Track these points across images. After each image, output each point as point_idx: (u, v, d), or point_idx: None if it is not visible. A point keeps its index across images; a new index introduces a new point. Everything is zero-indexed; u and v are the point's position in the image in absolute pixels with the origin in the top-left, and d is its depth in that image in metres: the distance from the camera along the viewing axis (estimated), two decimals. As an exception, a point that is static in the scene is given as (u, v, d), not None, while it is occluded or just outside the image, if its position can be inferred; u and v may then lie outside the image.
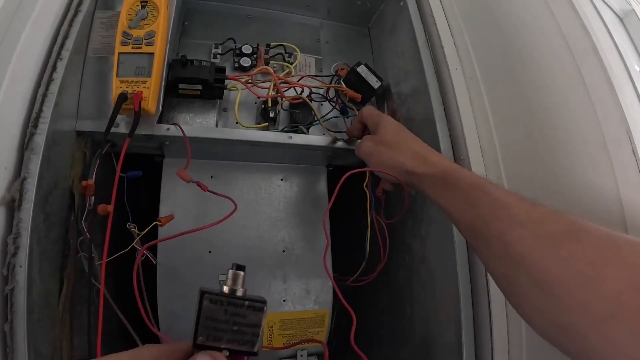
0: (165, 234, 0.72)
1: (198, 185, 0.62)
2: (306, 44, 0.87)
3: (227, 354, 0.33)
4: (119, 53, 0.64)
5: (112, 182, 0.59)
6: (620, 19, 1.14)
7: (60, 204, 0.61)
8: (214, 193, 0.62)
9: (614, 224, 0.51)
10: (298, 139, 0.70)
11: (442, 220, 0.68)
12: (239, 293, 0.35)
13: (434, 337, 0.71)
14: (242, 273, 0.37)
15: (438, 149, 0.69)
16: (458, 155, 0.70)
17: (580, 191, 0.58)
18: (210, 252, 0.75)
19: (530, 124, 0.66)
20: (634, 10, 1.10)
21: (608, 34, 0.73)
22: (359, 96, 0.78)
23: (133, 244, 0.66)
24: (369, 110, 0.70)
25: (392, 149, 0.61)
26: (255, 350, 0.34)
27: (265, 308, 0.35)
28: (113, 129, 0.62)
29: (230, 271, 0.36)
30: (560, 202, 0.58)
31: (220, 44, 0.82)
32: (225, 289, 0.35)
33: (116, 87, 0.62)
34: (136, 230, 0.66)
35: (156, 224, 0.68)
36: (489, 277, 0.63)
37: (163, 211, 0.75)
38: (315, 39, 0.90)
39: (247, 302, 0.35)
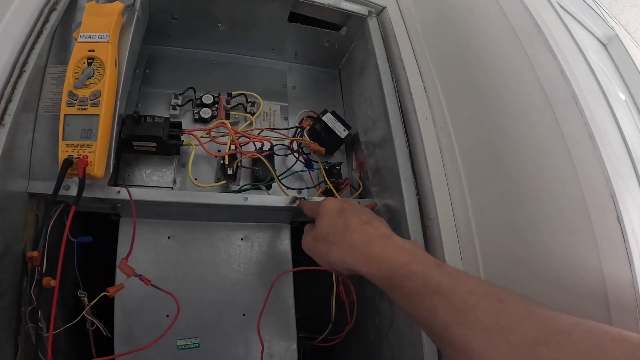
0: (119, 301, 0.75)
1: (140, 279, 0.63)
2: (272, 90, 0.89)
3: None
4: (65, 115, 0.65)
5: (69, 246, 0.61)
6: (604, 45, 1.13)
7: (12, 269, 0.62)
8: (157, 288, 0.64)
9: (596, 299, 0.50)
10: (254, 200, 0.70)
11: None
12: None
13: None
14: None
15: (404, 209, 0.68)
16: (427, 214, 0.70)
17: (558, 263, 0.57)
18: (167, 316, 0.75)
19: (505, 182, 0.65)
20: (617, 35, 1.09)
21: (592, 74, 0.72)
22: (322, 150, 0.80)
23: (83, 313, 0.67)
24: (306, 204, 0.68)
25: (330, 243, 0.57)
26: None
27: None
28: (64, 192, 0.64)
29: None
30: (537, 273, 0.57)
31: (180, 94, 0.84)
32: None
33: (62, 151, 0.63)
34: (86, 299, 0.67)
35: (105, 294, 0.68)
36: None
37: (119, 273, 0.75)
38: (282, 84, 0.91)
39: None
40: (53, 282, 0.61)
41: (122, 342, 0.74)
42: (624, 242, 0.50)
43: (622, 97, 1.09)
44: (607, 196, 0.53)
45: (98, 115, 0.65)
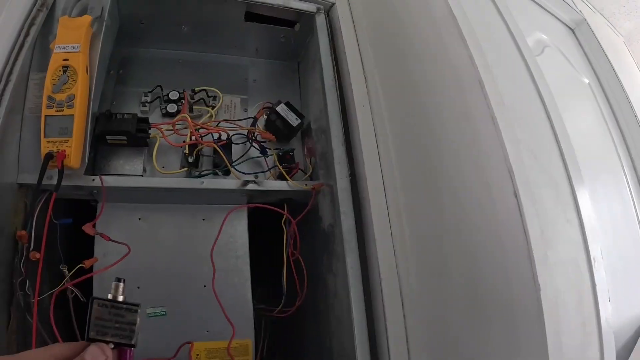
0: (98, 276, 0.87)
1: (101, 236, 0.78)
2: (234, 84, 1.01)
3: (112, 346, 0.49)
4: (45, 116, 0.79)
5: (50, 227, 0.75)
6: (572, 30, 1.19)
7: (5, 248, 0.77)
8: (114, 241, 0.81)
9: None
10: (210, 183, 0.84)
11: (344, 259, 0.79)
12: (120, 299, 0.51)
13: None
14: (121, 284, 0.52)
15: (336, 189, 0.80)
16: (360, 193, 0.80)
17: (473, 226, 0.66)
18: (138, 287, 0.90)
19: (428, 163, 0.76)
20: (585, 19, 1.14)
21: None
22: (273, 137, 0.92)
23: (63, 282, 0.81)
24: None
25: None
26: (133, 342, 0.50)
27: (138, 310, 0.51)
28: (47, 181, 0.77)
29: (113, 283, 0.52)
30: (454, 240, 0.69)
31: (149, 91, 0.97)
32: (110, 296, 0.51)
33: (43, 147, 0.78)
34: (66, 271, 0.82)
35: (82, 266, 0.82)
36: (388, 318, 0.73)
37: (97, 251, 0.89)
38: (243, 78, 1.04)
39: (124, 306, 0.50)
40: (37, 255, 0.75)
41: None
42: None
43: (586, 80, 1.15)
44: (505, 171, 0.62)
45: (73, 115, 0.79)
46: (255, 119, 0.95)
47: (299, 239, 0.90)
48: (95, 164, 0.91)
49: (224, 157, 0.86)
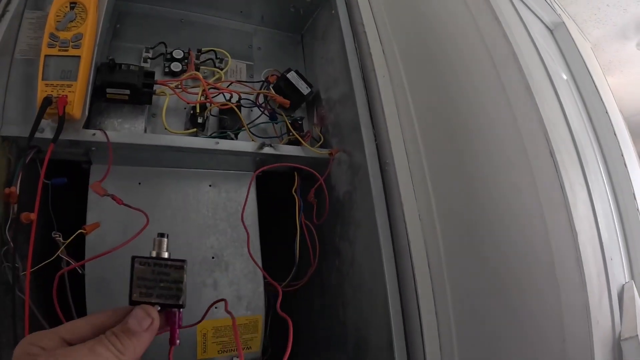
0: (92, 242, 0.82)
1: (112, 198, 0.73)
2: (238, 50, 1.00)
3: (159, 308, 0.46)
4: (45, 55, 0.73)
5: (37, 190, 0.67)
6: (550, 31, 1.33)
7: None
8: (129, 206, 0.73)
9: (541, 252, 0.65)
10: (225, 144, 0.82)
11: (368, 223, 0.81)
12: (164, 255, 0.49)
13: (367, 340, 0.83)
14: (165, 239, 0.50)
15: (363, 154, 0.82)
16: (383, 159, 0.83)
17: (499, 194, 0.72)
18: (137, 259, 0.84)
19: (453, 127, 0.81)
20: (563, 22, 1.29)
21: (531, 41, 0.89)
22: (287, 102, 0.92)
23: (58, 253, 0.74)
24: None
25: None
26: (181, 302, 0.47)
27: (185, 266, 0.48)
28: (38, 134, 0.70)
29: (156, 238, 0.49)
30: (480, 203, 0.73)
31: (151, 48, 0.94)
32: (152, 253, 0.48)
33: (41, 90, 0.71)
34: (61, 239, 0.74)
35: (81, 232, 0.76)
36: (417, 276, 0.76)
37: (90, 219, 0.84)
38: (248, 45, 1.03)
39: (169, 262, 0.48)
40: (32, 216, 0.68)
41: (94, 283, 0.82)
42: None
43: (564, 77, 1.29)
44: (541, 136, 0.69)
45: (79, 56, 0.74)
46: (269, 83, 0.95)
47: (315, 209, 0.91)
48: (89, 121, 0.85)
49: (242, 118, 0.85)
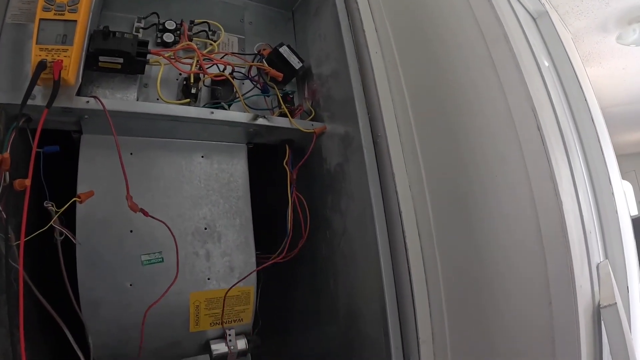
0: (83, 211, 0.84)
1: (143, 213, 0.77)
2: (230, 24, 1.03)
3: None
4: (40, 19, 0.73)
5: (27, 160, 0.68)
6: (534, 19, 1.42)
7: None
8: (154, 218, 0.78)
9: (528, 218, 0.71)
10: (220, 114, 0.85)
11: (361, 194, 0.86)
12: None
13: (358, 309, 0.87)
14: None
15: (357, 127, 0.87)
16: (376, 132, 0.88)
17: (486, 162, 0.77)
18: (131, 231, 0.87)
19: (444, 101, 0.86)
20: (547, 12, 1.37)
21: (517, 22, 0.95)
22: (280, 75, 0.95)
23: (51, 222, 0.75)
24: None
25: None
26: None
27: None
28: (30, 101, 0.71)
29: None
30: (469, 174, 0.79)
31: (144, 18, 0.95)
32: None
33: (35, 54, 0.71)
34: (54, 208, 0.76)
35: (75, 200, 0.78)
36: (409, 247, 0.81)
37: (81, 190, 0.84)
38: (239, 19, 1.06)
39: None
40: (27, 182, 0.68)
41: (85, 259, 0.84)
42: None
43: (546, 63, 1.37)
44: (529, 111, 0.75)
45: (76, 21, 0.74)
46: (263, 56, 0.98)
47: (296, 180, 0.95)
48: (80, 90, 0.87)
49: (237, 88, 0.88)
